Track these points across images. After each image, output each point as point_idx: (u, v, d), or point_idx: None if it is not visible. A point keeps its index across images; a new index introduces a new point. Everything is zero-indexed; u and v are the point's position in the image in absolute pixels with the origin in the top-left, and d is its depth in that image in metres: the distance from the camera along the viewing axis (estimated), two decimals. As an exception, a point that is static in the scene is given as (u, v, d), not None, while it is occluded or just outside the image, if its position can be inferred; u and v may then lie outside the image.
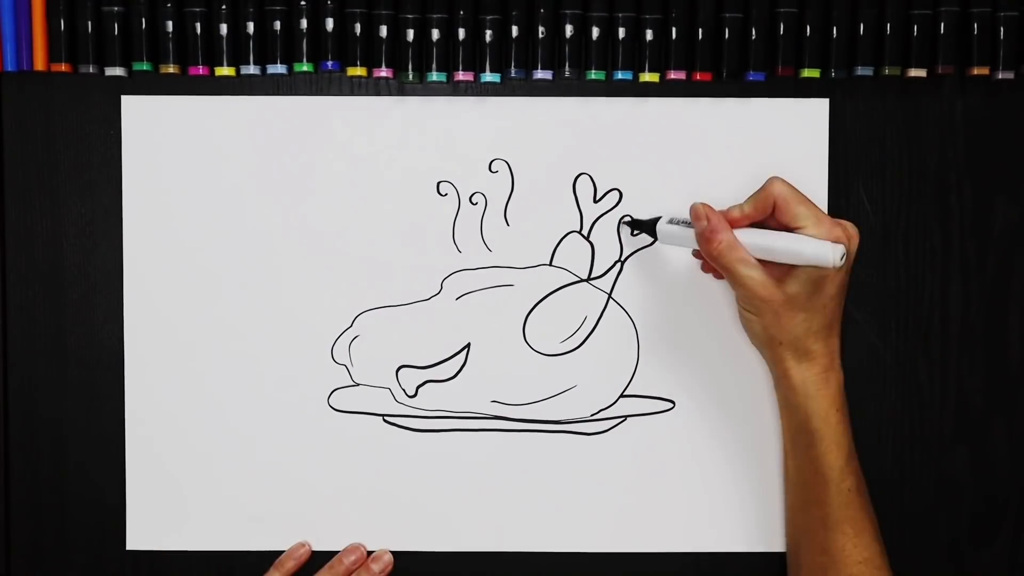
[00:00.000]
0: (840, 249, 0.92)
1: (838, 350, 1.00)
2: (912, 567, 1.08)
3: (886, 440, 1.08)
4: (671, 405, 1.07)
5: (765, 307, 0.97)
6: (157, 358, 1.07)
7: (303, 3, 1.01)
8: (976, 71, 1.03)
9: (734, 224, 0.97)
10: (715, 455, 1.08)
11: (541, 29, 1.02)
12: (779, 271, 0.96)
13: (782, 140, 1.06)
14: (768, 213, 0.97)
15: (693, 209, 0.97)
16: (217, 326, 1.07)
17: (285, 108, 1.05)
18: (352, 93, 1.05)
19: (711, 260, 0.97)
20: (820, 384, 0.98)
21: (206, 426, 1.08)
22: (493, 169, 1.06)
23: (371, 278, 1.06)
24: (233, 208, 1.06)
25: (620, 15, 1.02)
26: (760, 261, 0.96)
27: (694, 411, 1.07)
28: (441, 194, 1.06)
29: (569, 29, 1.02)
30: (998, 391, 1.07)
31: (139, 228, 1.06)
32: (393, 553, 1.08)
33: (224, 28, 1.02)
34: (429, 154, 1.06)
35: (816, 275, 0.95)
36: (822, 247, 0.92)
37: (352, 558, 1.07)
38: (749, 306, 0.99)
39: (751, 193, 0.99)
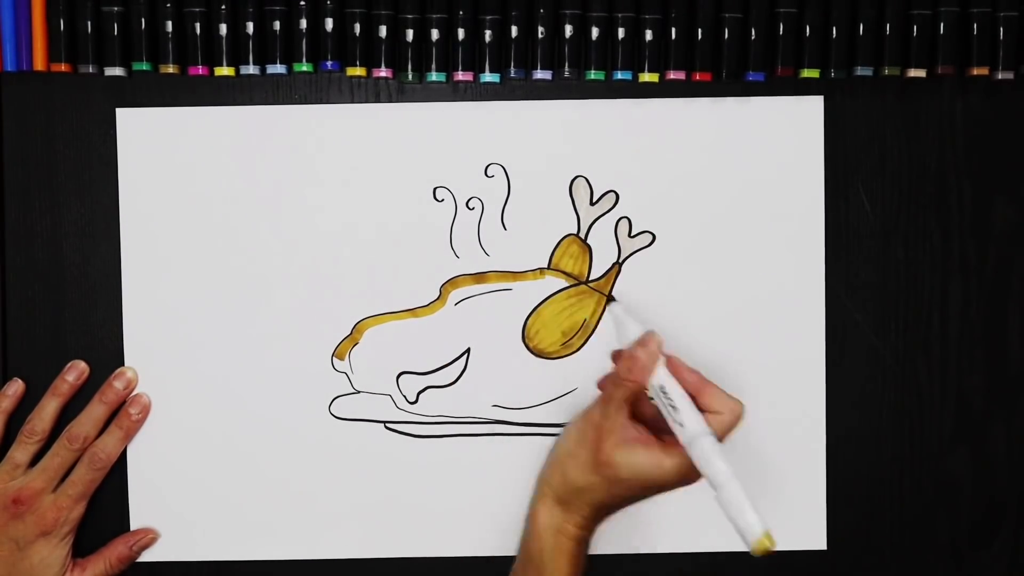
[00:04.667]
0: (765, 545, 0.89)
1: (603, 521, 0.98)
2: (912, 567, 1.08)
3: (886, 440, 1.08)
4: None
5: (586, 445, 0.95)
6: (157, 366, 1.07)
7: (303, 3, 1.01)
8: (976, 71, 1.03)
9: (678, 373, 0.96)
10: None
11: (541, 29, 1.02)
12: (632, 435, 0.94)
13: (779, 140, 1.06)
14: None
15: (648, 339, 0.95)
16: (217, 335, 1.07)
17: (280, 117, 1.05)
18: (352, 93, 1.05)
19: (616, 379, 0.95)
20: (560, 532, 0.97)
21: (207, 435, 1.07)
22: (489, 174, 1.06)
23: (370, 285, 1.06)
24: (231, 217, 1.06)
25: (620, 15, 1.02)
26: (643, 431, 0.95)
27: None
28: (438, 200, 1.06)
29: (569, 29, 1.02)
30: (998, 391, 1.08)
31: (136, 236, 1.06)
32: (396, 560, 1.08)
33: (224, 28, 1.02)
34: (425, 160, 1.06)
35: (643, 472, 0.93)
36: (755, 529, 0.89)
37: (119, 384, 1.07)
38: (577, 429, 0.97)
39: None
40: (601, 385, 0.98)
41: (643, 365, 0.94)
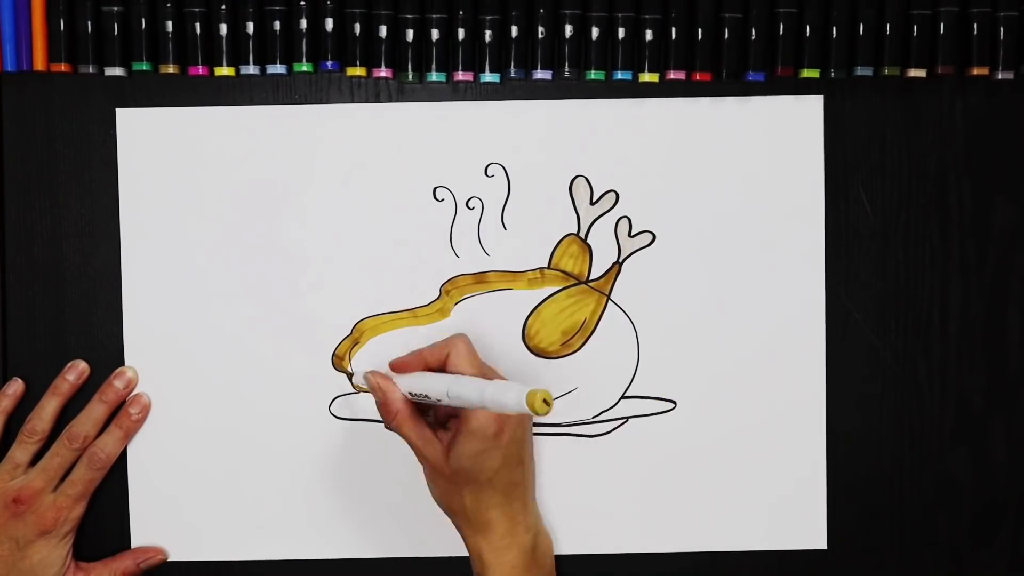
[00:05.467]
0: (536, 395, 0.88)
1: (524, 513, 1.02)
2: (912, 567, 1.08)
3: (886, 440, 1.08)
4: (672, 405, 1.07)
5: (438, 478, 1.00)
6: (157, 366, 1.07)
7: (303, 3, 1.01)
8: (976, 71, 1.03)
9: (406, 367, 1.01)
10: (717, 454, 1.08)
11: (541, 29, 1.02)
12: (446, 442, 0.99)
13: (779, 140, 1.06)
14: (440, 364, 1.00)
15: (366, 378, 1.01)
16: (217, 334, 1.07)
17: (280, 117, 1.05)
18: (352, 93, 1.05)
19: (392, 429, 1.00)
20: (497, 552, 1.00)
21: (207, 435, 1.07)
22: (489, 174, 1.06)
23: (370, 285, 1.06)
24: (231, 217, 1.06)
25: (620, 15, 1.02)
26: (434, 430, 1.00)
27: (695, 411, 1.07)
28: (438, 199, 1.06)
29: (569, 29, 1.02)
30: (998, 391, 1.07)
31: (136, 236, 1.06)
32: (397, 560, 1.08)
33: (224, 28, 1.02)
34: (425, 160, 1.06)
35: (474, 449, 0.96)
36: (519, 398, 0.90)
37: (120, 384, 1.07)
38: (427, 475, 1.02)
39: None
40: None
41: (382, 400, 1.00)
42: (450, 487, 0.99)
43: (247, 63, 1.02)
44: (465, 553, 1.06)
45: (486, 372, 0.99)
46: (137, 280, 1.06)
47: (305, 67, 1.02)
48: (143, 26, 1.01)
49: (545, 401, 0.88)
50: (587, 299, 1.07)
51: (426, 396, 0.97)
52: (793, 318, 1.07)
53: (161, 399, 1.07)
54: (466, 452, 0.96)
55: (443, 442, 0.98)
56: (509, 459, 0.98)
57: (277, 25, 1.02)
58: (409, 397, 0.99)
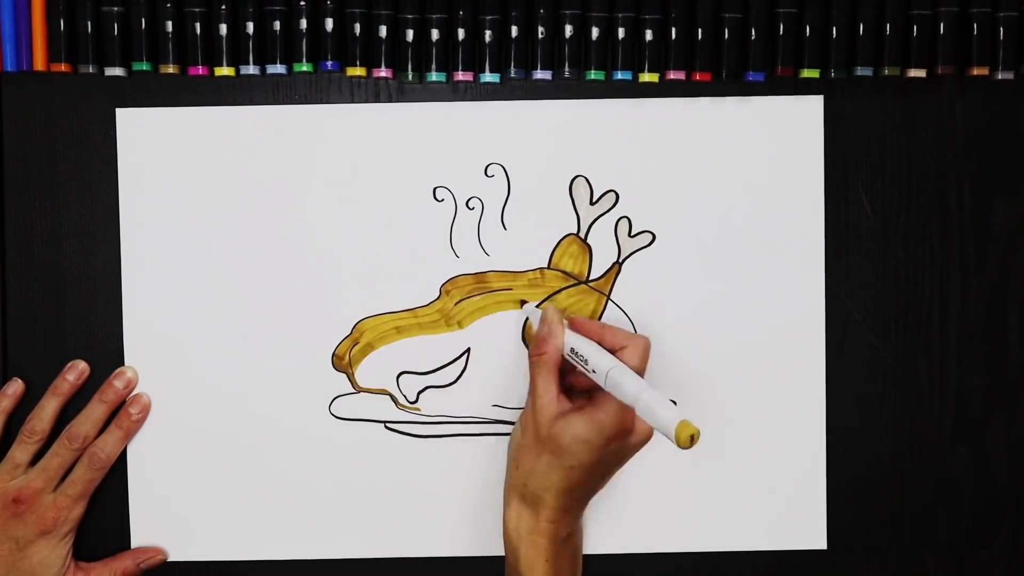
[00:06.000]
0: (687, 426, 0.89)
1: (575, 511, 1.01)
2: (912, 567, 1.08)
3: (886, 440, 1.08)
4: (672, 406, 1.07)
5: (529, 433, 0.99)
6: (157, 366, 1.07)
7: (303, 3, 1.01)
8: (976, 71, 1.03)
9: (582, 329, 1.01)
10: (717, 455, 1.08)
11: (541, 29, 1.02)
12: (562, 410, 0.98)
13: (779, 140, 1.06)
14: (610, 349, 1.00)
15: (546, 309, 1.02)
16: (217, 334, 1.07)
17: (280, 117, 1.05)
18: (352, 93, 1.05)
19: (531, 359, 1.00)
20: (532, 531, 1.00)
21: (207, 435, 1.07)
22: (489, 174, 1.06)
23: (370, 285, 1.06)
24: (231, 217, 1.06)
25: (620, 15, 1.02)
26: (568, 395, 1.00)
27: (695, 411, 1.07)
28: (438, 200, 1.06)
29: (569, 29, 1.02)
30: (998, 391, 1.07)
31: (136, 236, 1.06)
32: (396, 560, 1.08)
33: (224, 28, 1.02)
34: (425, 160, 1.06)
35: (583, 434, 0.96)
36: (672, 419, 0.90)
37: (120, 384, 1.07)
38: (523, 422, 1.01)
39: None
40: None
41: (545, 337, 1.00)
42: (534, 446, 0.98)
43: (247, 63, 1.02)
44: (464, 554, 1.07)
45: None
46: (137, 280, 1.06)
47: (305, 67, 1.02)
48: (143, 26, 1.01)
49: (692, 437, 0.88)
50: (587, 299, 1.07)
51: (584, 362, 0.97)
52: (793, 318, 1.07)
53: (161, 399, 1.07)
54: (573, 430, 0.96)
55: (560, 407, 0.98)
56: (600, 465, 0.98)
57: (277, 25, 1.02)
58: (567, 353, 0.99)
